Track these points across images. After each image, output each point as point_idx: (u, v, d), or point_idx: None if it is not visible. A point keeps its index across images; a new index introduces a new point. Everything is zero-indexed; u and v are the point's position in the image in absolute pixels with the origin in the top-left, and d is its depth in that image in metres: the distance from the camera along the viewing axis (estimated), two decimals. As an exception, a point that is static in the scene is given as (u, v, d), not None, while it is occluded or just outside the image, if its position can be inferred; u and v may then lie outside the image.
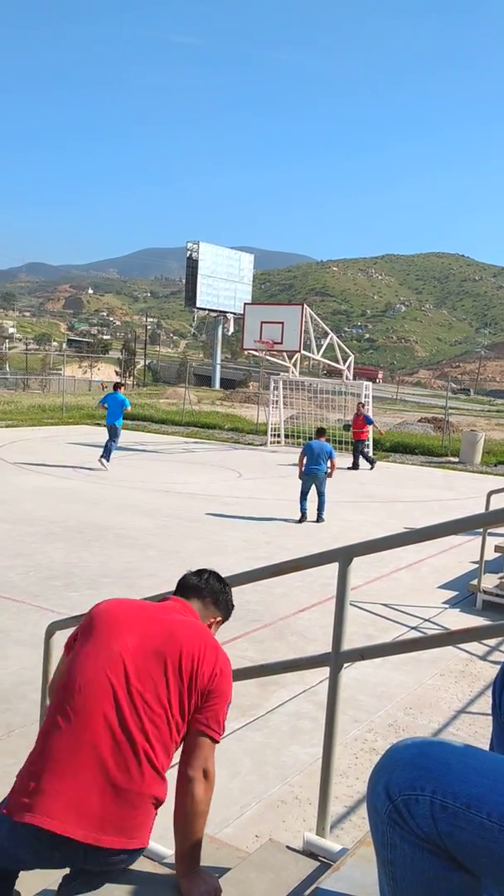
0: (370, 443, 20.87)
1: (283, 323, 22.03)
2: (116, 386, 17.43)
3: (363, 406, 20.60)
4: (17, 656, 5.79)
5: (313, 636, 6.69)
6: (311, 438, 13.13)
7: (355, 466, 19.22)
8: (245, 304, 27.00)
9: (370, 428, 20.15)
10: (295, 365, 23.92)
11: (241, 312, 25.91)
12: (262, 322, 22.36)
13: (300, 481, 12.08)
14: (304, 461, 12.03)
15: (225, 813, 3.88)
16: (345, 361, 24.34)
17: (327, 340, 23.95)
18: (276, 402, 24.82)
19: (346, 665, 2.78)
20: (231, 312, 52.35)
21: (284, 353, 23.21)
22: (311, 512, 12.02)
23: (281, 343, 22.11)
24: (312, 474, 11.93)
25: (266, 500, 12.60)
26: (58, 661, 2.36)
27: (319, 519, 11.99)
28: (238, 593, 7.85)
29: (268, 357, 23.95)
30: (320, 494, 12.03)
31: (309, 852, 2.64)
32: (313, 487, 12.00)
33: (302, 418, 26.01)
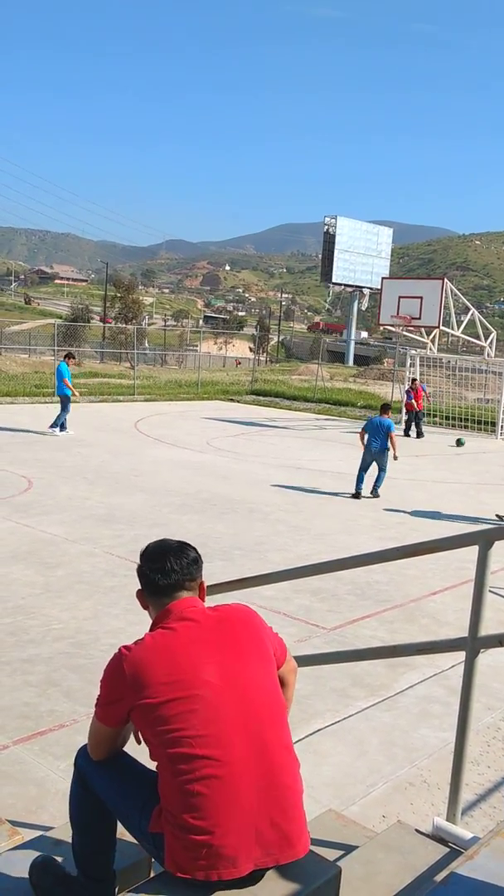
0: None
1: (421, 298, 21.44)
2: (66, 356, 16.85)
3: (416, 381, 21.53)
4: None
5: (446, 620, 6.53)
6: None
7: (421, 434, 20.20)
8: (383, 278, 26.46)
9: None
10: (433, 341, 23.26)
11: (378, 287, 25.41)
12: (399, 297, 21.87)
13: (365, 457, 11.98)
14: (366, 437, 11.85)
15: (351, 791, 3.87)
16: (486, 338, 23.44)
17: (468, 316, 23.14)
18: (414, 380, 24.28)
19: (481, 651, 2.69)
20: (367, 287, 51.57)
21: (422, 329, 22.62)
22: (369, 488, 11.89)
23: (419, 318, 21.56)
24: (371, 450, 11.75)
25: (398, 479, 12.40)
26: None
27: (374, 493, 11.80)
28: (367, 573, 7.82)
29: (405, 332, 23.42)
30: (381, 469, 11.86)
31: (438, 837, 2.59)
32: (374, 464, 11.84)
33: (439, 396, 25.30)
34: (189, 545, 2.27)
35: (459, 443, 19.49)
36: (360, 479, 11.76)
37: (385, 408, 12.73)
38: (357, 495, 11.67)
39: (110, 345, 47.48)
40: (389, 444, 11.78)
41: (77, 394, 17.24)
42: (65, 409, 16.13)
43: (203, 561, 2.28)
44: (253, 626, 2.16)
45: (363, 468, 11.80)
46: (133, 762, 2.22)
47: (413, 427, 20.44)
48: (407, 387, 21.58)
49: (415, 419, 20.53)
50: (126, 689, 1.99)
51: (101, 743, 2.15)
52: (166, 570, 2.16)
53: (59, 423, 16.06)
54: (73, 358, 17.34)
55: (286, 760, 2.02)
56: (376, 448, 11.73)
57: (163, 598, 2.17)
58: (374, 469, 11.82)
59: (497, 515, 10.42)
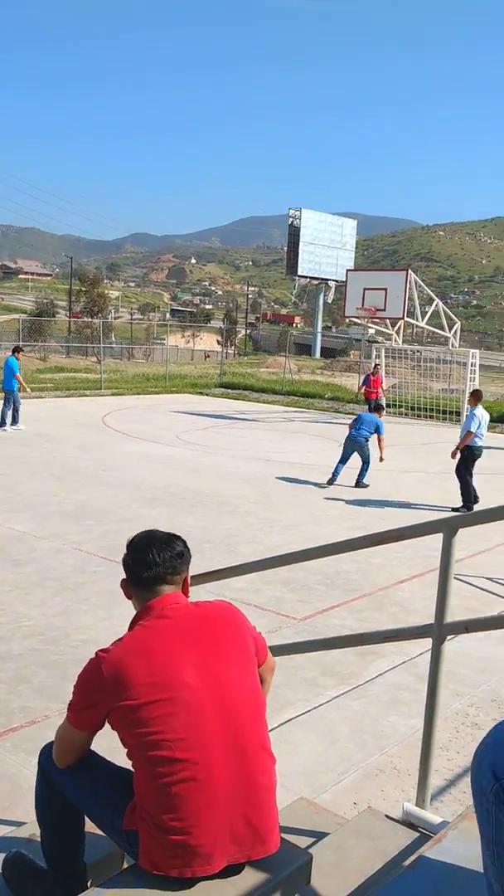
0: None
1: (386, 289, 21.54)
2: (15, 350, 16.84)
3: (378, 367, 21.72)
4: (122, 616, 5.97)
5: (413, 608, 6.61)
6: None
7: None
8: (347, 270, 26.53)
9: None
10: (398, 332, 23.41)
11: (343, 280, 25.48)
12: (364, 289, 21.94)
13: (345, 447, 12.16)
14: (352, 427, 12.06)
15: (322, 779, 3.91)
16: (451, 329, 23.65)
17: (432, 307, 23.31)
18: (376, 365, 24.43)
19: (448, 638, 2.73)
20: (333, 280, 51.68)
21: (387, 321, 22.74)
22: (346, 478, 12.04)
23: (384, 310, 21.66)
24: (352, 438, 11.90)
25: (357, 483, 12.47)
26: None
27: (359, 484, 11.92)
28: (336, 562, 7.88)
29: (370, 324, 23.52)
30: (364, 461, 11.98)
31: (408, 822, 2.63)
32: (356, 455, 11.97)
33: (405, 387, 25.50)
34: (177, 538, 2.23)
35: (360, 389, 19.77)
36: (337, 471, 11.91)
37: (378, 408, 12.98)
38: (331, 482, 11.84)
39: (76, 339, 47.06)
40: (378, 443, 12.02)
41: (28, 388, 17.15)
42: (7, 403, 15.98)
43: (190, 554, 2.25)
44: (235, 624, 2.15)
45: (342, 460, 11.96)
46: (101, 761, 2.21)
47: None
48: (370, 372, 21.78)
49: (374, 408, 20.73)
50: (105, 692, 1.95)
51: (72, 749, 2.12)
52: (148, 562, 2.14)
53: (3, 419, 15.93)
54: (22, 351, 17.29)
55: (263, 761, 2.03)
56: (355, 436, 11.85)
57: (144, 591, 2.15)
58: (354, 462, 11.97)
59: (453, 509, 10.58)
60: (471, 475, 10.66)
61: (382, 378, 21.65)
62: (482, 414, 10.66)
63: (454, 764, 4.11)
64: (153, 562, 2.14)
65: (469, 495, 10.61)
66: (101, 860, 2.32)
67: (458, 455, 10.75)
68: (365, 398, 21.18)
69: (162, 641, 2.01)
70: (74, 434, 15.89)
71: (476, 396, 11.07)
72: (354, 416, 12.75)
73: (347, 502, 10.89)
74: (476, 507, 10.59)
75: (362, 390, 21.16)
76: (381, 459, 12.14)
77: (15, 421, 15.99)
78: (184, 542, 2.24)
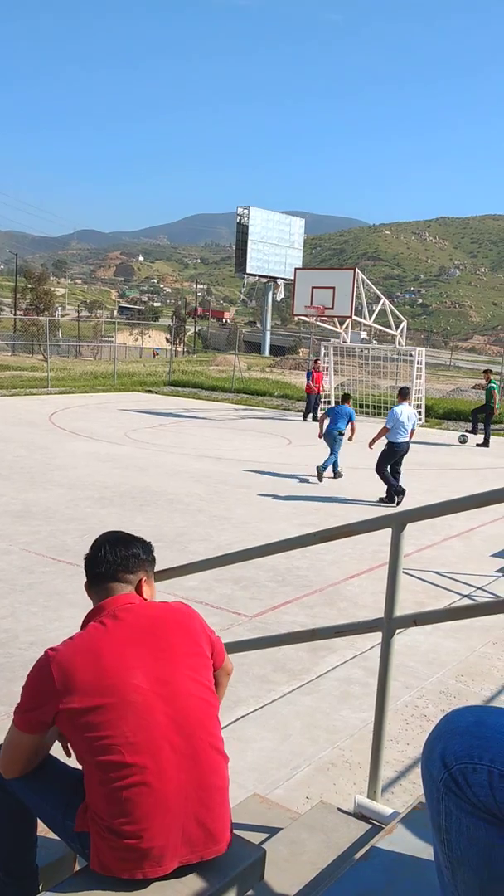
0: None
1: (334, 288, 21.73)
2: None
3: (318, 361, 22.41)
4: (72, 617, 5.93)
5: (364, 602, 6.68)
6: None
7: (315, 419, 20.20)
8: (296, 269, 26.65)
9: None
10: (346, 331, 23.61)
11: (292, 278, 25.62)
12: (312, 287, 22.08)
13: (324, 442, 12.52)
14: (327, 422, 12.42)
15: (275, 774, 3.93)
16: (397, 327, 23.95)
17: (379, 306, 23.58)
18: (327, 368, 24.61)
19: (398, 631, 2.77)
20: (281, 278, 51.89)
21: (335, 319, 22.93)
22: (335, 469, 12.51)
23: (332, 308, 21.85)
24: (327, 432, 12.31)
25: (313, 467, 12.55)
26: None
27: (318, 471, 12.19)
28: (287, 559, 7.92)
29: (318, 323, 23.69)
30: (331, 452, 12.28)
31: (360, 815, 2.66)
32: (336, 446, 12.36)
33: (353, 385, 25.74)
34: (137, 540, 2.24)
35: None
36: (335, 463, 12.32)
37: (346, 397, 13.27)
38: (337, 474, 12.38)
39: (22, 337, 46.29)
40: (349, 429, 12.28)
41: None
42: None
43: (152, 558, 2.26)
44: (189, 626, 2.12)
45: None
46: (51, 760, 2.18)
47: (312, 412, 20.97)
48: (310, 367, 22.14)
49: (315, 403, 21.12)
50: (53, 692, 1.91)
51: (20, 757, 2.05)
52: (98, 559, 2.17)
53: None
54: None
55: (215, 762, 2.02)
56: (330, 429, 12.18)
57: (98, 588, 2.16)
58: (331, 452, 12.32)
59: (397, 504, 10.77)
60: (387, 469, 10.88)
61: (322, 373, 21.98)
62: (402, 411, 10.87)
63: (404, 755, 4.17)
64: (104, 559, 2.16)
65: (392, 486, 10.84)
66: (54, 863, 2.29)
67: (374, 447, 11.19)
68: (307, 393, 21.57)
69: (111, 642, 1.98)
70: (21, 433, 15.63)
71: (402, 394, 11.35)
72: (326, 410, 13.27)
73: (298, 499, 10.95)
74: (404, 501, 10.84)
75: (307, 387, 21.54)
76: (350, 439, 12.48)
77: None
78: (145, 546, 2.25)
